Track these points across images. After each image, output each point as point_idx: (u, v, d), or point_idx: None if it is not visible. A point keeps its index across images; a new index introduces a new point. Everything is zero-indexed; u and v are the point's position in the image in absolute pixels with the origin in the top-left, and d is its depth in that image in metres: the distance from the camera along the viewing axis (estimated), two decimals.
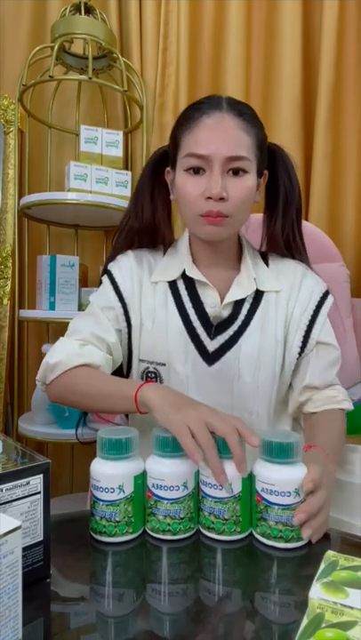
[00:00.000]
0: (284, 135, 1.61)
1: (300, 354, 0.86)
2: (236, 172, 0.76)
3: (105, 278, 0.88)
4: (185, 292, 0.85)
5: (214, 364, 0.82)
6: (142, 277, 0.86)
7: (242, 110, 0.78)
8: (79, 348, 0.81)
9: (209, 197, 0.74)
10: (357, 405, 1.19)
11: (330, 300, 0.88)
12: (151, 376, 0.84)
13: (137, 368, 0.86)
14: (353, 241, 1.64)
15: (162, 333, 0.83)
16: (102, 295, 0.87)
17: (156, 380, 0.84)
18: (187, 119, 0.79)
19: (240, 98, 1.61)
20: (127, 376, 0.90)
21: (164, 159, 0.87)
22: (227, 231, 0.79)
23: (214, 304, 0.83)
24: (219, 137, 0.75)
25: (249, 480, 0.59)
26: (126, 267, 0.87)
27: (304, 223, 1.01)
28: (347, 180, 1.64)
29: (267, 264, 0.89)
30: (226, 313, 0.83)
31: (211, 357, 0.82)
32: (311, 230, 1.32)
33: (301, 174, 1.63)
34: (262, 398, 0.84)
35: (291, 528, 0.56)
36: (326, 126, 1.59)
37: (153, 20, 1.68)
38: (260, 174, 0.82)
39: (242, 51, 1.64)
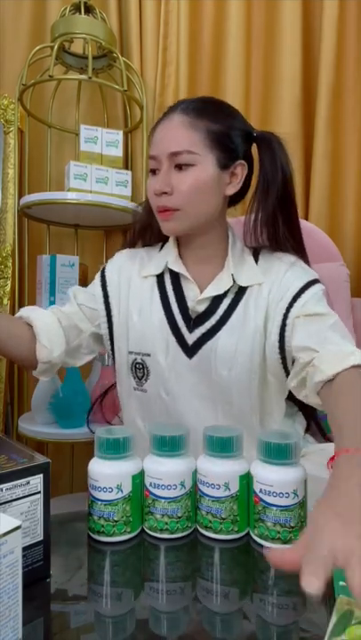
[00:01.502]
0: (284, 135, 1.61)
1: (280, 342, 0.81)
2: (181, 166, 0.79)
3: (98, 275, 0.96)
4: (170, 285, 0.88)
5: (193, 356, 0.84)
6: (132, 273, 0.91)
7: (194, 107, 0.81)
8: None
9: (155, 193, 0.80)
10: None
11: (316, 287, 0.83)
12: (139, 367, 0.87)
13: (127, 360, 0.89)
14: (353, 241, 1.64)
15: (147, 325, 0.86)
16: (90, 288, 0.95)
17: (144, 371, 0.87)
18: (153, 125, 0.86)
19: (240, 98, 1.64)
20: (114, 368, 0.94)
21: None
22: (181, 224, 0.82)
23: (194, 297, 0.85)
24: (163, 137, 0.81)
25: (246, 479, 0.59)
26: (117, 265, 0.94)
27: (305, 223, 1.01)
28: (347, 179, 1.64)
29: (257, 260, 0.88)
30: (202, 307, 0.84)
31: (190, 350, 0.84)
32: (311, 230, 1.32)
33: (301, 174, 1.63)
34: (241, 391, 0.84)
35: (289, 530, 0.56)
36: (326, 126, 1.59)
37: (153, 20, 1.68)
38: (224, 166, 0.82)
39: (242, 51, 1.64)
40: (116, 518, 0.58)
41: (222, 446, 0.59)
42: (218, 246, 0.88)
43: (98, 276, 0.95)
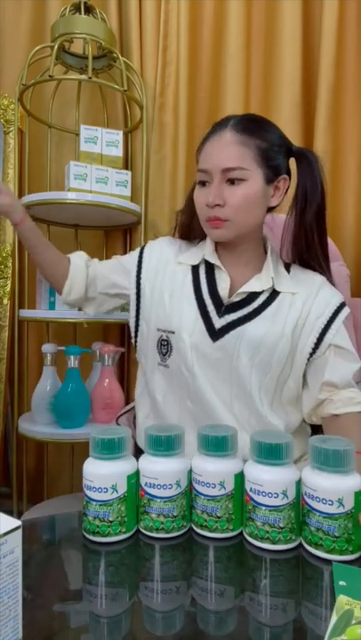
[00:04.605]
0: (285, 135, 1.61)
1: (311, 354, 0.90)
2: (233, 181, 0.85)
3: (136, 250, 1.03)
4: (204, 275, 0.94)
5: (218, 340, 0.88)
6: (169, 257, 0.98)
7: (246, 125, 0.87)
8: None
9: (208, 205, 0.86)
10: None
11: (346, 310, 0.93)
12: (164, 343, 0.93)
13: (154, 337, 0.94)
14: (353, 240, 1.64)
15: (176, 305, 0.92)
16: (127, 257, 1.04)
17: (168, 347, 0.92)
18: (203, 140, 0.92)
19: (240, 98, 1.64)
20: (136, 340, 1.02)
21: None
22: (229, 232, 0.88)
23: (223, 288, 0.90)
24: (216, 152, 0.86)
25: (241, 477, 0.60)
26: (157, 248, 1.01)
27: None
28: (347, 179, 1.64)
29: (288, 272, 0.95)
30: (237, 299, 0.90)
31: (216, 333, 0.88)
32: None
33: None
34: (255, 380, 0.88)
35: (278, 530, 0.56)
36: (326, 125, 1.59)
37: (153, 20, 1.68)
38: (269, 180, 0.89)
39: (242, 51, 1.64)
40: (111, 518, 0.58)
41: (217, 445, 0.60)
42: (254, 253, 0.94)
43: (136, 255, 1.01)
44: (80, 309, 1.10)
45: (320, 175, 0.91)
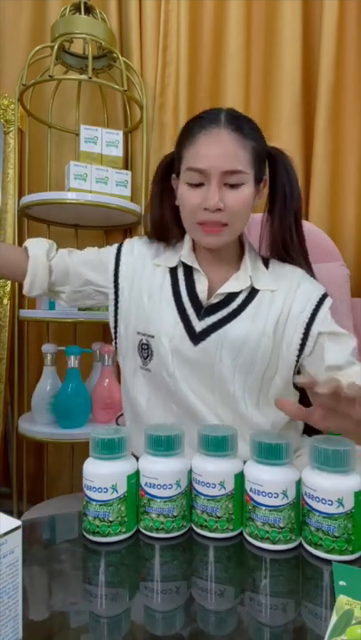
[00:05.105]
0: (284, 135, 1.61)
1: (300, 349, 0.88)
2: (233, 184, 0.82)
3: (114, 246, 0.99)
4: (182, 277, 0.91)
5: (199, 343, 0.86)
6: (146, 256, 0.95)
7: (239, 125, 0.83)
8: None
9: (206, 208, 0.81)
10: None
11: (329, 300, 0.91)
12: (144, 347, 0.90)
13: (133, 340, 0.92)
14: (353, 241, 1.64)
15: (155, 308, 0.89)
16: (104, 253, 0.99)
17: (148, 351, 0.90)
18: (188, 133, 0.85)
19: (240, 98, 1.64)
20: (115, 342, 0.99)
21: (172, 165, 0.92)
22: (225, 239, 0.86)
23: (202, 290, 0.88)
24: (216, 152, 0.81)
25: (241, 477, 0.60)
26: (137, 243, 0.98)
27: (304, 223, 1.02)
28: (347, 179, 1.64)
29: (266, 267, 0.94)
30: (216, 300, 0.88)
31: (197, 337, 0.87)
32: (311, 230, 1.32)
33: (301, 174, 1.63)
34: (238, 382, 0.87)
35: (278, 530, 0.56)
36: (326, 126, 1.59)
37: (153, 20, 1.68)
38: (258, 182, 0.87)
39: (242, 51, 1.64)
40: (111, 518, 0.58)
41: (217, 445, 0.60)
42: (232, 250, 0.92)
43: (114, 250, 0.97)
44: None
45: (294, 173, 0.90)
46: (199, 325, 0.87)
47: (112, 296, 0.95)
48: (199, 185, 0.83)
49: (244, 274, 0.89)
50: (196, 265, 0.90)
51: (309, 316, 0.88)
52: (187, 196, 0.84)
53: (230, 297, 0.88)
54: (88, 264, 0.98)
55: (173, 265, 0.92)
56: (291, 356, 0.88)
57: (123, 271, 0.95)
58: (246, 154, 0.82)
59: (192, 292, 0.89)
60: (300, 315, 0.88)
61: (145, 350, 0.90)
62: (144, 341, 0.90)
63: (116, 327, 0.97)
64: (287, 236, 0.92)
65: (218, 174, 0.81)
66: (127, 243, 0.99)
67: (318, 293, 0.90)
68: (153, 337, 0.88)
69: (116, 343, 0.98)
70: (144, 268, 0.94)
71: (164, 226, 0.95)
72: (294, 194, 0.90)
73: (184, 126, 0.88)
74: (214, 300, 0.88)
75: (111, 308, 0.96)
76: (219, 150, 0.81)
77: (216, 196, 0.80)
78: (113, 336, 0.98)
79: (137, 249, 0.97)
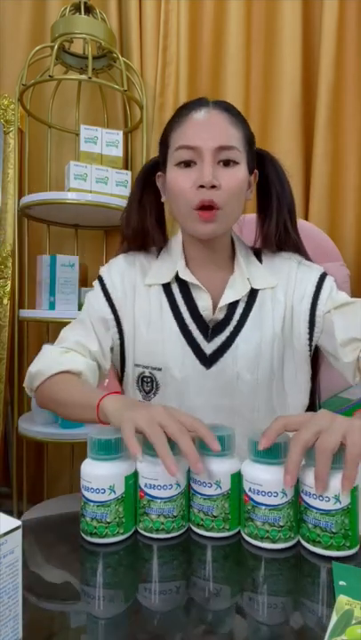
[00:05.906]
0: (284, 135, 1.61)
1: (310, 333, 0.85)
2: (227, 162, 0.77)
3: (96, 283, 0.90)
4: (180, 295, 0.85)
5: (212, 366, 0.82)
6: (135, 280, 0.87)
7: (228, 107, 0.80)
8: (60, 356, 0.82)
9: (201, 186, 0.75)
10: (357, 405, 1.19)
11: (329, 279, 0.87)
12: (147, 380, 0.84)
13: (132, 373, 0.86)
14: (353, 241, 1.64)
15: (157, 338, 0.83)
16: (94, 302, 0.88)
17: (152, 385, 0.84)
18: (175, 118, 0.81)
19: (240, 98, 1.64)
20: (121, 381, 0.91)
21: (155, 168, 0.88)
22: (220, 227, 0.79)
23: (206, 307, 0.83)
24: (207, 129, 0.76)
25: (238, 477, 0.59)
26: (117, 270, 0.88)
27: (304, 223, 1.02)
28: (347, 180, 1.64)
29: (260, 260, 0.89)
30: (221, 315, 0.83)
31: (208, 360, 0.82)
32: (311, 230, 1.32)
33: (301, 174, 1.63)
34: (262, 394, 0.84)
35: (278, 529, 0.56)
36: (326, 126, 1.59)
37: (153, 20, 1.68)
38: (250, 170, 0.83)
39: (242, 51, 1.64)
40: (108, 520, 0.57)
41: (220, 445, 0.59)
42: (224, 248, 0.87)
43: (99, 293, 0.88)
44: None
45: (283, 170, 0.87)
46: (208, 348, 0.82)
47: (115, 333, 0.87)
48: (190, 164, 0.77)
49: (240, 276, 0.85)
50: (194, 280, 0.83)
51: (311, 301, 0.84)
52: (179, 179, 0.77)
53: (232, 306, 0.84)
54: (97, 334, 0.86)
55: (167, 280, 0.85)
56: (303, 342, 0.85)
57: (117, 302, 0.87)
58: (238, 133, 0.78)
59: (194, 312, 0.83)
60: (301, 302, 0.84)
61: (147, 384, 0.85)
62: (146, 374, 0.84)
63: (123, 359, 0.88)
64: (283, 234, 0.88)
65: (211, 150, 0.75)
66: (106, 274, 0.89)
67: (315, 276, 0.86)
68: (160, 369, 0.82)
69: (123, 376, 0.90)
70: (135, 293, 0.86)
71: (145, 231, 0.88)
72: (285, 189, 0.86)
73: (171, 117, 0.83)
74: (219, 317, 0.83)
75: (117, 349, 0.88)
76: (211, 127, 0.76)
77: (209, 171, 0.74)
78: (120, 374, 0.91)
79: (119, 275, 0.87)
